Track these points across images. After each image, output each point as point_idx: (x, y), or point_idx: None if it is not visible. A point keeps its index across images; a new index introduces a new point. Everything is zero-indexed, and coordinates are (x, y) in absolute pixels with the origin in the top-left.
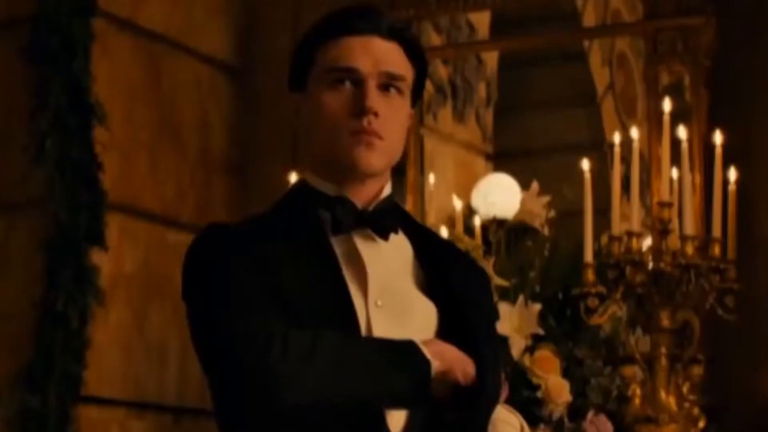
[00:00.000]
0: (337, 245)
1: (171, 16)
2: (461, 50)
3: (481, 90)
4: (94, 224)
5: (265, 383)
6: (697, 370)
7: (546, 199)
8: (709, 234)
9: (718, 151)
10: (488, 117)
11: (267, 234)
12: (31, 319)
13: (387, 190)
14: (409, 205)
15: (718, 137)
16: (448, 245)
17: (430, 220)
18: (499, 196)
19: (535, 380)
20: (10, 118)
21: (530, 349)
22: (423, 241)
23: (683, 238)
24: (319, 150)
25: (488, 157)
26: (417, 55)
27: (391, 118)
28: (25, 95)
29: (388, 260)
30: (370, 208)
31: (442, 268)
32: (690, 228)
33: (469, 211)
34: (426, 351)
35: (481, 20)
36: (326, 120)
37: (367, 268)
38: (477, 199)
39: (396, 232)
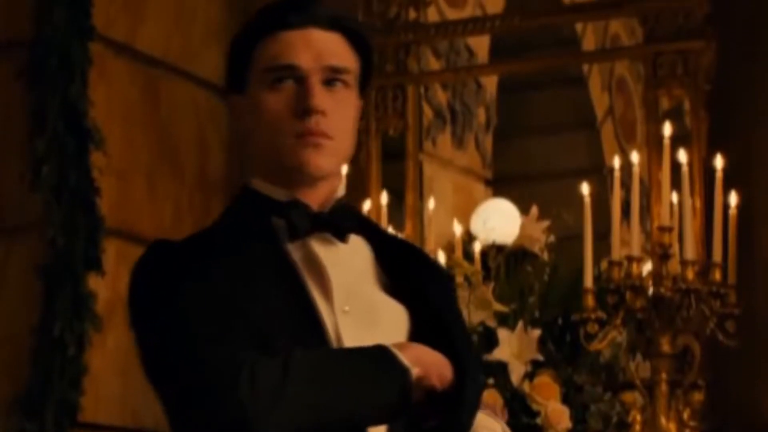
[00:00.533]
0: (294, 252)
1: (169, 41)
2: (460, 75)
3: (481, 115)
4: (91, 250)
5: (235, 422)
6: (698, 396)
7: (545, 223)
8: (710, 258)
9: (719, 174)
10: (487, 142)
11: (219, 247)
12: (29, 345)
13: (340, 191)
14: (408, 230)
15: (718, 161)
16: (408, 245)
17: (430, 246)
18: (499, 221)
19: (534, 406)
20: (6, 143)
21: (530, 375)
22: (381, 241)
23: (683, 263)
24: (264, 154)
25: (487, 182)
26: (361, 43)
27: (338, 114)
28: (22, 119)
29: (349, 263)
30: (326, 210)
31: (408, 269)
32: (690, 252)
33: (469, 237)
34: (403, 358)
35: (481, 45)
36: (269, 123)
37: (330, 273)
38: (476, 225)
39: (358, 233)
